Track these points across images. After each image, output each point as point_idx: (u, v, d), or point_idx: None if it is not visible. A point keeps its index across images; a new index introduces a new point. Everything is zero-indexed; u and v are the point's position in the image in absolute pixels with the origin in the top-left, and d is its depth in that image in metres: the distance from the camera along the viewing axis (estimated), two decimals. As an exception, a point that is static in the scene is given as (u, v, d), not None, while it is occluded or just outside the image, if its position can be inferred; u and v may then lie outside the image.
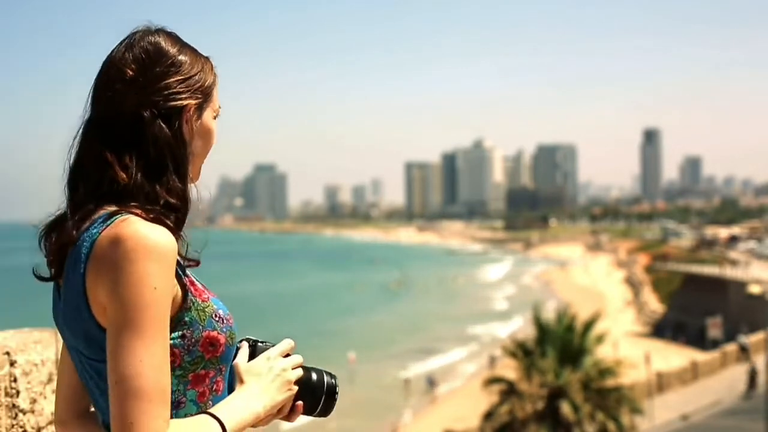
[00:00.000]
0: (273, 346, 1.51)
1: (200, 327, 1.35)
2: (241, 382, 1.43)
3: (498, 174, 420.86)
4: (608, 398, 21.47)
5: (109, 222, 1.30)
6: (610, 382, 21.87)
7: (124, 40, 1.44)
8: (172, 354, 1.32)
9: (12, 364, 2.15)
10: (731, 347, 37.40)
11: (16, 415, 2.16)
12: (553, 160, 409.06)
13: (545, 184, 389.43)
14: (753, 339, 37.69)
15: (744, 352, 36.84)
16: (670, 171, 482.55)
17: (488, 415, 21.87)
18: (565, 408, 20.54)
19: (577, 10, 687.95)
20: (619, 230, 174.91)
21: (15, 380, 2.16)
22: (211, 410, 1.35)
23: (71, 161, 1.41)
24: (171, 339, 1.31)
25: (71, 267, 1.33)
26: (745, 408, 28.23)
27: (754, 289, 46.58)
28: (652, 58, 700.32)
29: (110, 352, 1.25)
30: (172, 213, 1.36)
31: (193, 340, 1.35)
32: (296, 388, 1.48)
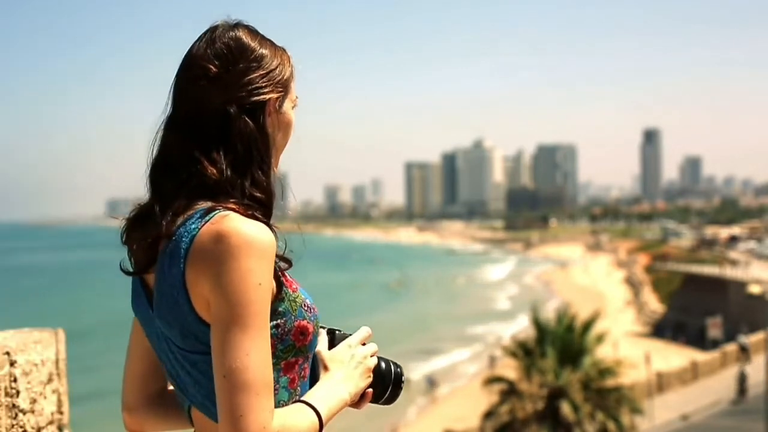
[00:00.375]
0: (349, 334, 1.56)
1: (292, 317, 1.40)
2: (326, 369, 1.48)
3: (498, 174, 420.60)
4: (608, 398, 21.46)
5: (207, 218, 1.32)
6: (610, 382, 21.85)
7: (203, 35, 1.46)
8: None
9: (12, 364, 2.15)
10: (731, 347, 37.36)
11: (16, 415, 2.15)
12: (553, 160, 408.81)
13: (545, 184, 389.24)
14: (753, 339, 37.69)
15: (744, 352, 36.80)
16: (670, 171, 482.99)
17: (488, 415, 21.87)
18: (565, 408, 20.53)
19: (577, 10, 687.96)
20: (619, 230, 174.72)
21: (15, 380, 2.16)
22: (303, 398, 1.40)
23: (153, 157, 1.44)
24: None
25: (167, 261, 1.34)
26: (745, 408, 28.22)
27: (754, 289, 46.60)
28: (652, 58, 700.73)
29: (216, 347, 1.28)
30: (260, 207, 1.40)
31: (286, 329, 1.39)
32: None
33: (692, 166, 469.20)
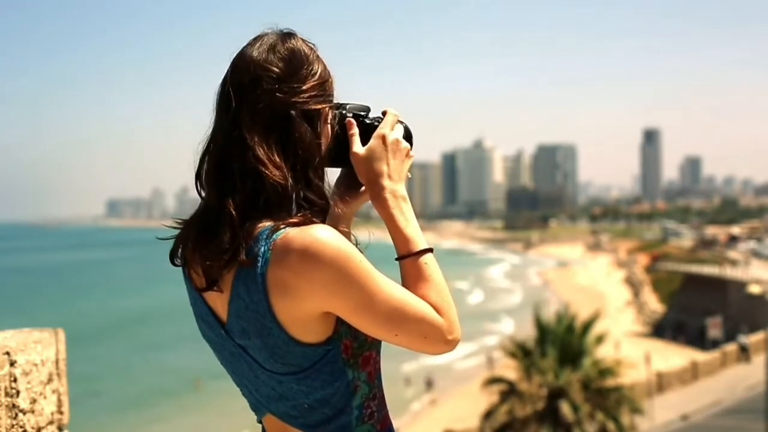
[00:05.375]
0: (375, 120, 1.55)
1: None
2: (376, 175, 1.51)
3: (498, 174, 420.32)
4: (608, 398, 21.46)
5: (274, 237, 1.33)
6: (610, 382, 21.86)
7: (257, 40, 1.46)
8: (344, 346, 1.39)
9: (12, 364, 2.15)
10: (731, 347, 37.39)
11: (16, 415, 2.15)
12: (553, 160, 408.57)
13: (545, 184, 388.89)
14: (753, 339, 37.70)
15: (744, 352, 36.84)
16: (670, 171, 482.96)
17: (488, 415, 21.87)
18: (565, 408, 20.53)
19: (576, 10, 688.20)
20: (619, 230, 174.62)
21: (15, 380, 2.15)
22: (401, 254, 1.48)
23: (214, 164, 1.41)
24: (340, 331, 1.38)
25: (243, 288, 1.35)
26: (745, 408, 28.23)
27: (754, 289, 46.62)
28: (652, 58, 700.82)
29: (368, 323, 1.36)
30: (317, 212, 1.42)
31: None
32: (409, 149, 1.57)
33: (692, 166, 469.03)
